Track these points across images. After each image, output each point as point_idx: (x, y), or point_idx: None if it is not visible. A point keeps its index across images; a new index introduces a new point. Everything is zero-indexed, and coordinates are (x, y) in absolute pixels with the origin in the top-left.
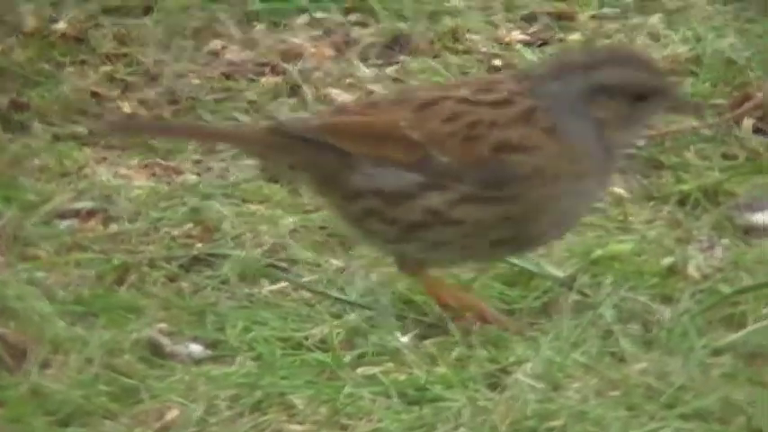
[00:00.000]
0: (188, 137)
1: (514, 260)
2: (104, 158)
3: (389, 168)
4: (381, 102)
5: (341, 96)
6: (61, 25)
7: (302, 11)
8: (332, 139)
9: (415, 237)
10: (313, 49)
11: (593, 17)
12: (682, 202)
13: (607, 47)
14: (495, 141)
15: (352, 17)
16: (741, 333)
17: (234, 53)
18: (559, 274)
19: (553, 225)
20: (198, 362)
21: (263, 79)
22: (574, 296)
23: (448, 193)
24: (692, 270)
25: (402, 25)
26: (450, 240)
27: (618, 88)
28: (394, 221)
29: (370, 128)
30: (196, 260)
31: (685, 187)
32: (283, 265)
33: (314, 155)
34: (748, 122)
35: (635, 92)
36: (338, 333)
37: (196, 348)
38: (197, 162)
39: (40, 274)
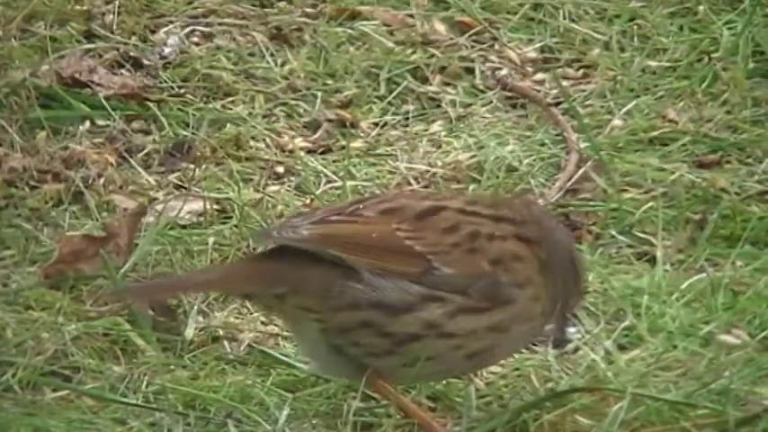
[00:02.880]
0: (172, 293)
1: None
2: None
3: (392, 280)
4: (365, 210)
5: (124, 203)
6: None
7: (84, 118)
8: (334, 250)
9: (404, 350)
10: (95, 156)
11: (375, 124)
12: None
13: None
14: (495, 254)
15: (135, 124)
16: None
17: (16, 160)
18: None
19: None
20: None
21: (46, 186)
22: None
23: (448, 305)
24: None
25: (185, 132)
26: (437, 354)
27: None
28: (388, 334)
29: (369, 238)
30: None
31: None
32: (66, 372)
33: (308, 270)
34: None
35: None
36: None
37: None
38: None
39: None
